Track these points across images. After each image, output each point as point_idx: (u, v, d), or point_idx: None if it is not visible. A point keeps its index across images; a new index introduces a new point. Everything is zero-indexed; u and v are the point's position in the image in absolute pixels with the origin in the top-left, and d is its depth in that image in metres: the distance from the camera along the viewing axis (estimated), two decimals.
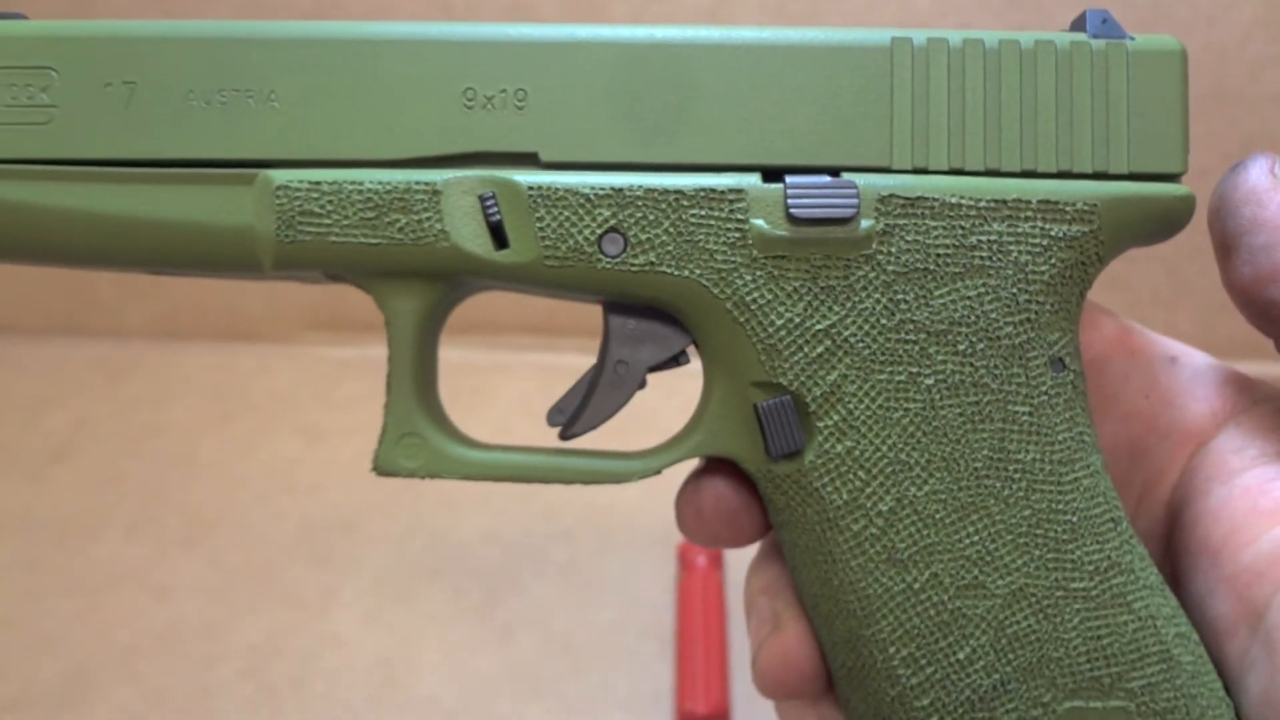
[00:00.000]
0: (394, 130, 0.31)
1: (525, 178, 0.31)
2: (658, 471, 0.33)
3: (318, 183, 0.31)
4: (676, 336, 0.33)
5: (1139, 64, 0.31)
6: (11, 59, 0.32)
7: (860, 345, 0.30)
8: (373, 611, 0.74)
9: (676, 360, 0.34)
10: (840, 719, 0.34)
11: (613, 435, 0.36)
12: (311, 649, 0.71)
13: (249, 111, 0.32)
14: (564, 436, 0.34)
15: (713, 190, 0.30)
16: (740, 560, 0.76)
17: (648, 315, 0.33)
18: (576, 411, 0.34)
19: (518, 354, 0.99)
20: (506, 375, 1.00)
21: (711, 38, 0.31)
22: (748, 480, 0.34)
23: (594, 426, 0.34)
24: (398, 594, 0.76)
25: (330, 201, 0.31)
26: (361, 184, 0.31)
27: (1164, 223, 0.32)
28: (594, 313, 1.00)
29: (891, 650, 0.30)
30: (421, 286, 0.33)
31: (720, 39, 0.31)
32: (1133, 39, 0.31)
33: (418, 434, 0.34)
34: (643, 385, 0.34)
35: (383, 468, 0.34)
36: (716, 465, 0.34)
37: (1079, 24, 0.32)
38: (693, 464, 0.36)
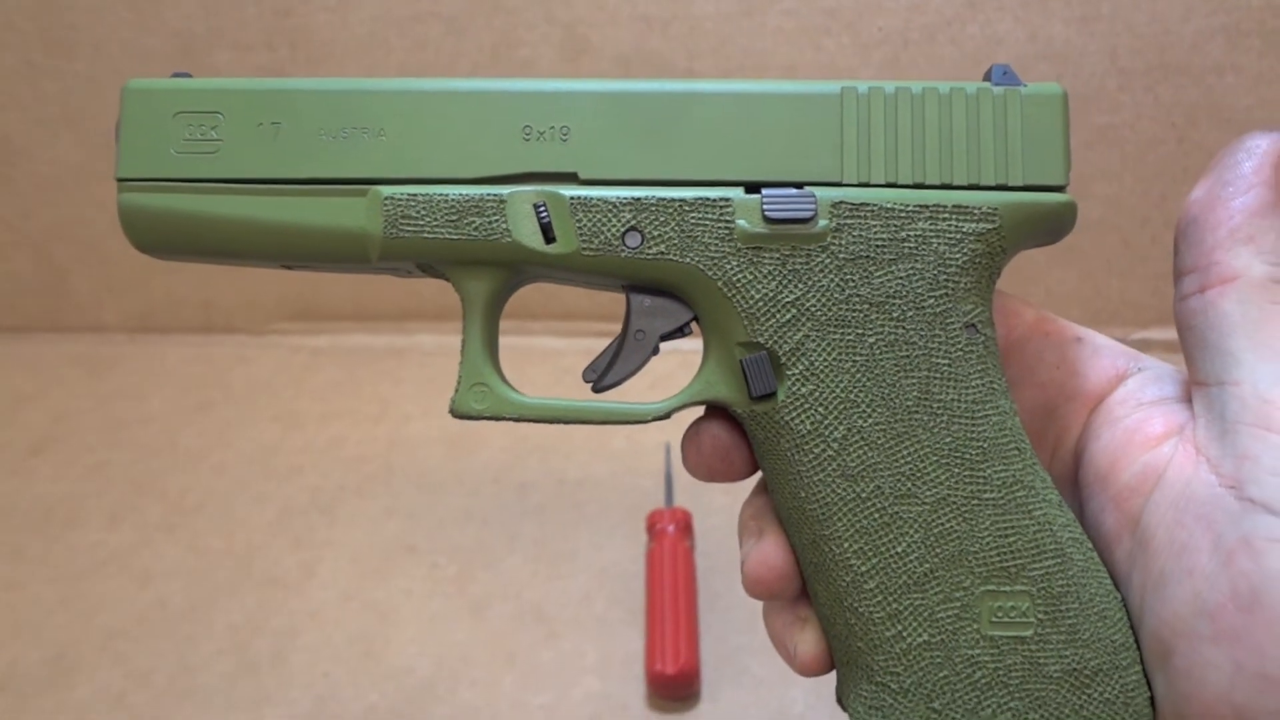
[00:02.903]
0: (470, 156, 0.41)
1: (568, 191, 0.41)
2: (668, 415, 0.42)
3: (414, 195, 0.41)
4: (683, 311, 0.42)
5: (1029, 104, 0.40)
6: (192, 106, 0.42)
7: (819, 312, 0.39)
8: (350, 589, 0.76)
9: (682, 331, 0.43)
10: (813, 619, 0.41)
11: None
12: (291, 626, 0.73)
13: (364, 143, 0.42)
14: (596, 390, 0.43)
15: (708, 199, 0.40)
16: (708, 530, 0.78)
17: (660, 294, 0.42)
18: (605, 370, 0.43)
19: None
20: None
21: (707, 89, 0.41)
22: (737, 425, 0.43)
23: (619, 383, 0.43)
24: (374, 572, 0.78)
25: (424, 208, 0.41)
26: (447, 196, 0.41)
27: (1053, 223, 0.40)
28: (563, 300, 1.02)
29: (845, 545, 0.39)
30: (490, 272, 0.42)
31: (713, 90, 0.41)
32: (1025, 86, 0.40)
33: (485, 383, 0.42)
34: (656, 351, 0.43)
35: (458, 409, 0.42)
36: (711, 414, 0.43)
37: (988, 75, 0.41)
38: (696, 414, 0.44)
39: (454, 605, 0.74)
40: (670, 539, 0.74)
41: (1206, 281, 0.36)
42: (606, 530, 0.81)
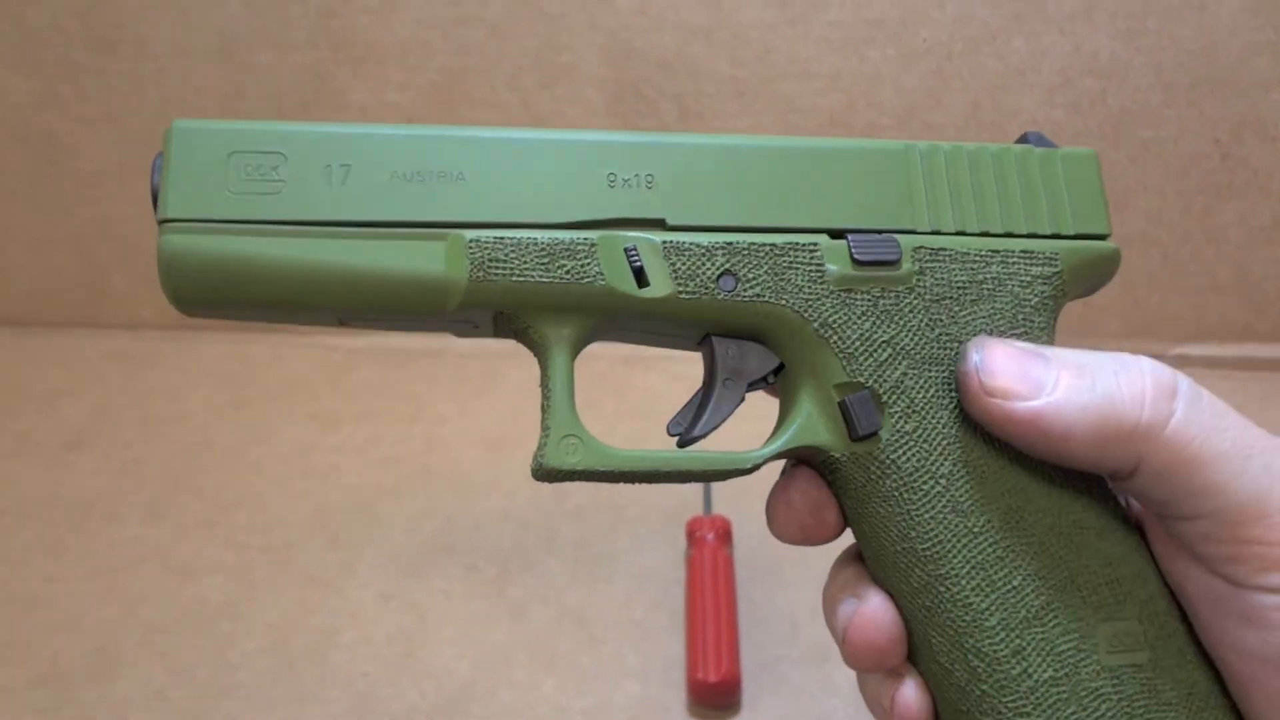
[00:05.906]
0: (555, 202, 0.40)
1: (658, 236, 0.40)
2: (765, 463, 0.41)
3: (501, 238, 0.39)
4: (769, 358, 0.42)
5: (1067, 163, 0.43)
6: (250, 146, 0.39)
7: (913, 350, 0.40)
8: (389, 589, 0.76)
9: (767, 379, 0.42)
10: (912, 672, 0.40)
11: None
12: (330, 625, 0.73)
13: (442, 187, 0.40)
14: (682, 444, 0.42)
15: (797, 244, 0.41)
16: (745, 539, 0.78)
17: (745, 342, 0.42)
18: (693, 422, 0.42)
19: None
20: (514, 362, 1.01)
21: (796, 145, 0.42)
22: (823, 480, 0.42)
23: (706, 434, 0.42)
24: (413, 572, 0.78)
25: (512, 251, 0.39)
26: (536, 239, 0.40)
27: (1102, 269, 0.43)
28: None
29: (963, 582, 0.38)
30: (576, 319, 0.40)
31: (799, 145, 0.42)
32: (1060, 148, 0.43)
33: (577, 435, 0.40)
34: (742, 400, 0.42)
35: (550, 464, 0.40)
36: (797, 469, 0.43)
37: (1023, 139, 0.44)
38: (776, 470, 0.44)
39: (493, 607, 0.74)
40: (710, 546, 0.74)
41: None
42: (645, 534, 0.81)
